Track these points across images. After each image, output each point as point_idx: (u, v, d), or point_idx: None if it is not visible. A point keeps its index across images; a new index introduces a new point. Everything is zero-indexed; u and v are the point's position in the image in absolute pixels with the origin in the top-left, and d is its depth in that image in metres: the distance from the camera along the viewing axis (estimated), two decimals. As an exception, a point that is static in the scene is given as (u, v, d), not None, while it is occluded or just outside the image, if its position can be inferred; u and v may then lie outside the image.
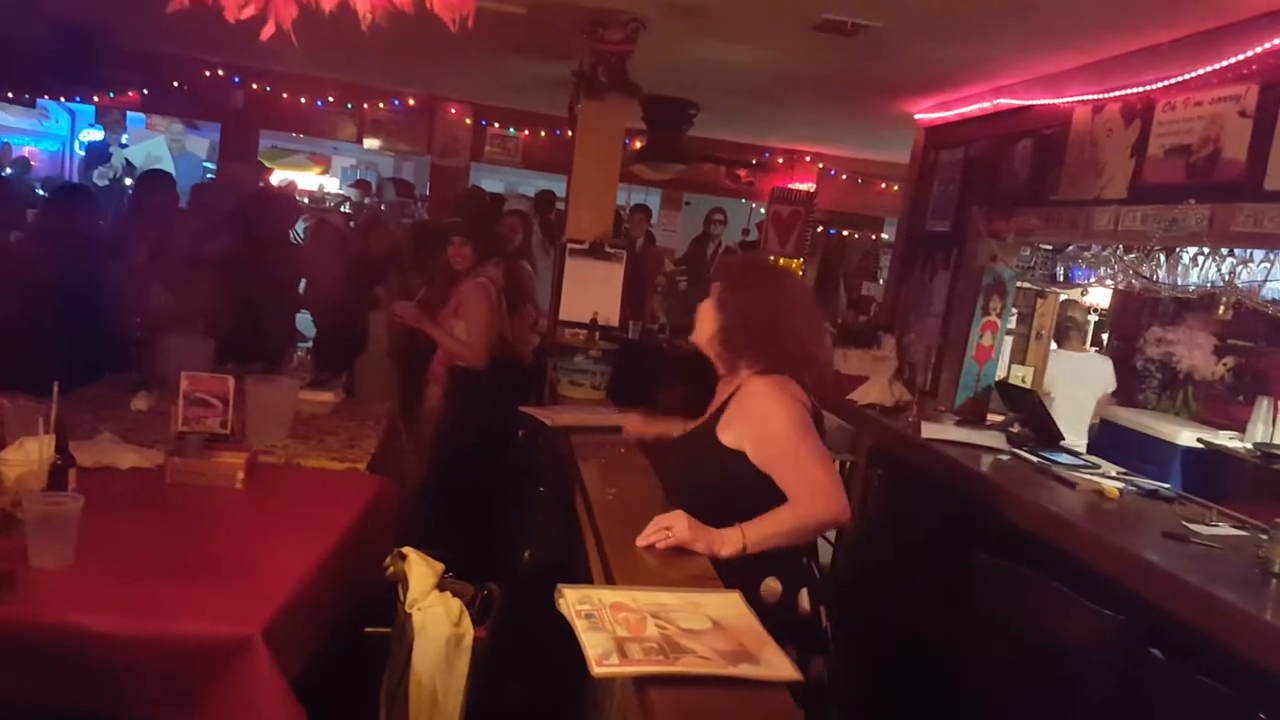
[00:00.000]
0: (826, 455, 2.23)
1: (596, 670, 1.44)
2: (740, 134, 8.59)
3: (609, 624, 1.56)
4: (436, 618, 2.19)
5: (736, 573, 1.98)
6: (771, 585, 2.15)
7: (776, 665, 1.52)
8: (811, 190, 8.76)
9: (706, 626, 1.60)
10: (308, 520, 2.50)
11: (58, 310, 4.05)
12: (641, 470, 2.71)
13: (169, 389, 3.30)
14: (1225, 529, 2.99)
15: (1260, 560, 2.59)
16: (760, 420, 2.22)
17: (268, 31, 2.08)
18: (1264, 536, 2.70)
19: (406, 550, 2.34)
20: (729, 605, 1.71)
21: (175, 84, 8.11)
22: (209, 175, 11.82)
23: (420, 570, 2.30)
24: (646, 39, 4.54)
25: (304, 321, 5.90)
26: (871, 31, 4.38)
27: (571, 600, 1.62)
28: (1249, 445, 3.60)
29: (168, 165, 11.23)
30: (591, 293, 4.41)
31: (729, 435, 2.27)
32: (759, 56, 5.26)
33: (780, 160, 9.25)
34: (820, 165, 9.35)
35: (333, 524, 2.49)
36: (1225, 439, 3.67)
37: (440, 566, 2.33)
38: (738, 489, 2.21)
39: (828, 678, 2.17)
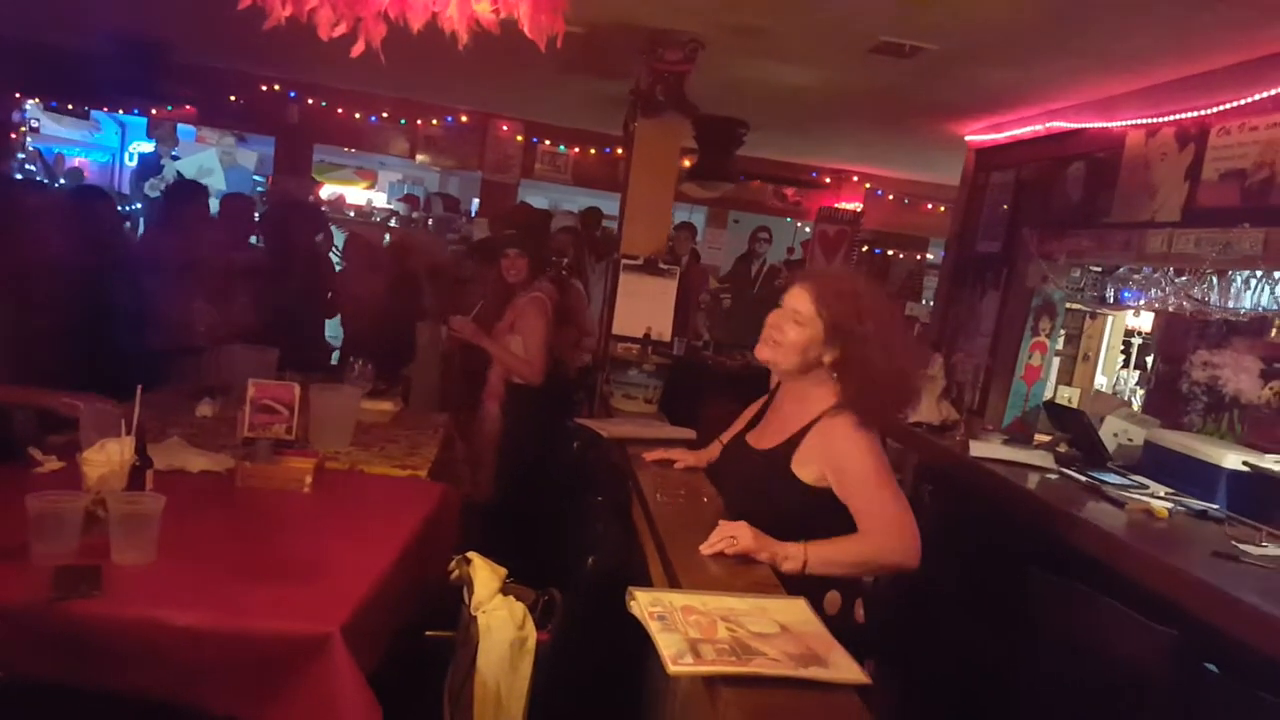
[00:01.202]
0: (903, 495, 2.20)
1: (672, 669, 1.48)
2: (789, 153, 8.64)
3: (681, 625, 1.60)
4: (501, 620, 2.24)
5: (799, 585, 2.01)
6: (833, 598, 2.18)
7: (845, 669, 1.56)
8: (858, 210, 8.78)
9: (775, 630, 1.64)
10: (375, 524, 2.56)
11: (120, 319, 4.15)
12: (697, 481, 2.76)
13: (232, 396, 3.42)
14: (1275, 549, 2.99)
15: (1313, 581, 2.60)
16: (840, 457, 2.20)
17: (358, 50, 2.17)
18: (1317, 559, 2.69)
19: (471, 555, 2.40)
20: (795, 610, 1.75)
21: (231, 98, 8.33)
22: (259, 188, 12.07)
23: (485, 574, 2.35)
24: (702, 58, 4.60)
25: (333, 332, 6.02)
26: (927, 54, 4.42)
27: (644, 602, 1.67)
28: (1295, 468, 3.56)
29: (219, 178, 11.48)
30: (644, 308, 4.47)
31: (808, 472, 2.24)
32: (813, 77, 5.32)
33: (828, 180, 9.29)
34: (867, 185, 9.38)
35: (400, 528, 2.55)
36: (1271, 462, 3.63)
37: (503, 571, 2.39)
38: (811, 515, 2.20)
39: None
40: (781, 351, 2.31)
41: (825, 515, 2.18)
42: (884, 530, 2.12)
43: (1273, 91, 3.68)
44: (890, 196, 9.47)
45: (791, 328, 2.29)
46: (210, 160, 12.58)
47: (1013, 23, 3.88)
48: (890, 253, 10.32)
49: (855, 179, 9.36)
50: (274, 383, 3.12)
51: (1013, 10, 3.74)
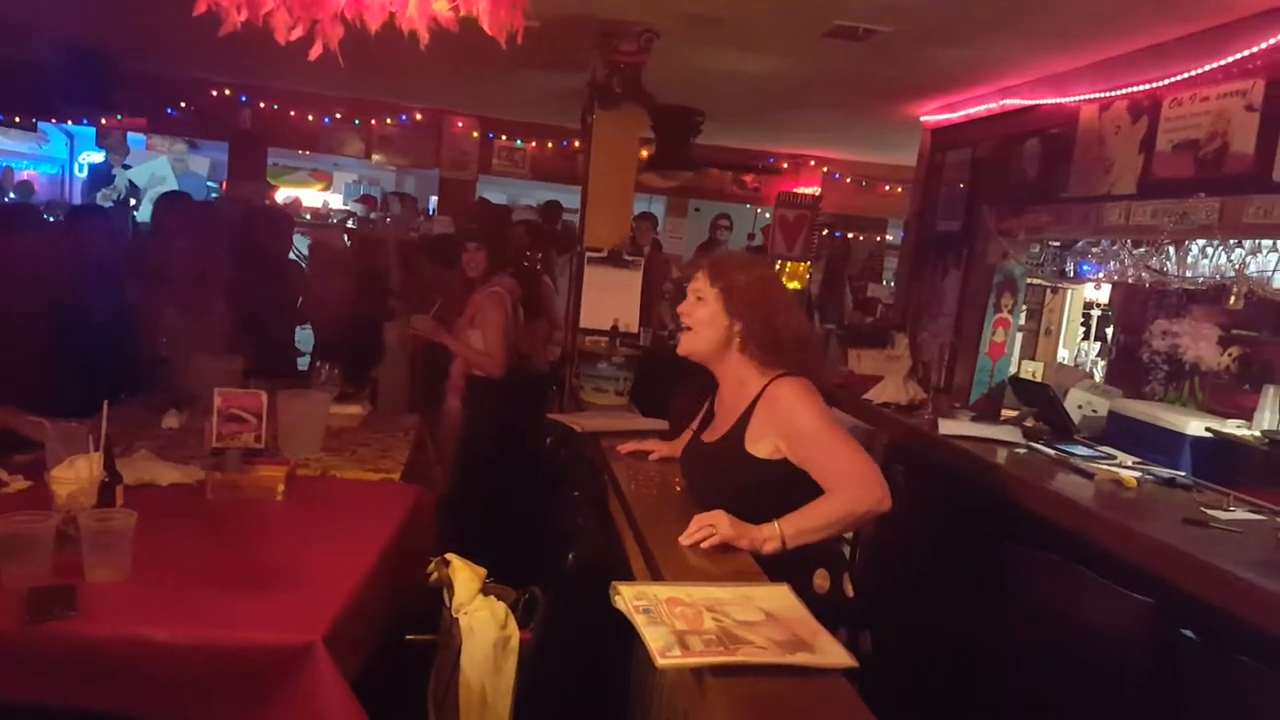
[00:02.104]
0: (859, 445, 2.23)
1: (660, 662, 1.49)
2: (746, 140, 8.67)
3: (667, 618, 1.61)
4: (483, 621, 2.23)
5: (786, 569, 2.01)
6: (822, 576, 2.20)
7: (832, 653, 1.57)
8: (816, 194, 8.83)
9: (760, 618, 1.65)
10: (351, 529, 2.55)
11: (83, 332, 4.09)
12: (671, 471, 2.76)
13: (199, 407, 3.37)
14: (1242, 514, 3.04)
15: (1280, 541, 2.66)
16: (789, 420, 2.23)
17: (315, 52, 2.14)
18: (1280, 519, 2.76)
19: (450, 556, 2.39)
20: (779, 597, 1.76)
21: (182, 104, 8.23)
22: (213, 194, 11.89)
23: (464, 575, 2.33)
24: (658, 48, 4.60)
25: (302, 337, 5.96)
26: (881, 36, 4.45)
27: (628, 596, 1.67)
28: (1257, 433, 3.64)
29: (172, 185, 11.31)
30: (610, 300, 4.47)
31: (762, 447, 2.27)
32: (768, 64, 5.33)
33: (785, 165, 9.34)
34: (825, 169, 9.45)
35: (376, 532, 2.54)
36: (1233, 427, 3.71)
37: (483, 571, 2.37)
38: (776, 491, 2.20)
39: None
40: (695, 335, 2.42)
41: (789, 488, 2.19)
42: (848, 481, 2.13)
43: (1222, 62, 3.75)
44: (848, 179, 9.54)
45: (696, 307, 2.40)
46: (163, 168, 12.39)
47: (964, 2, 3.92)
48: (850, 235, 10.42)
49: (813, 163, 9.42)
50: (241, 391, 3.10)
51: (964, -10, 3.77)
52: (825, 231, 9.68)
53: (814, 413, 2.22)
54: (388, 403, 4.72)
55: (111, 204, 11.07)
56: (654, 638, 1.54)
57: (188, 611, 1.96)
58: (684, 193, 9.26)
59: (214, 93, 8.18)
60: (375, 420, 3.85)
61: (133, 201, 11.05)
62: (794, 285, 7.43)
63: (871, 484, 2.13)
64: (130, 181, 11.80)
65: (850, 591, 2.25)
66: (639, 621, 1.59)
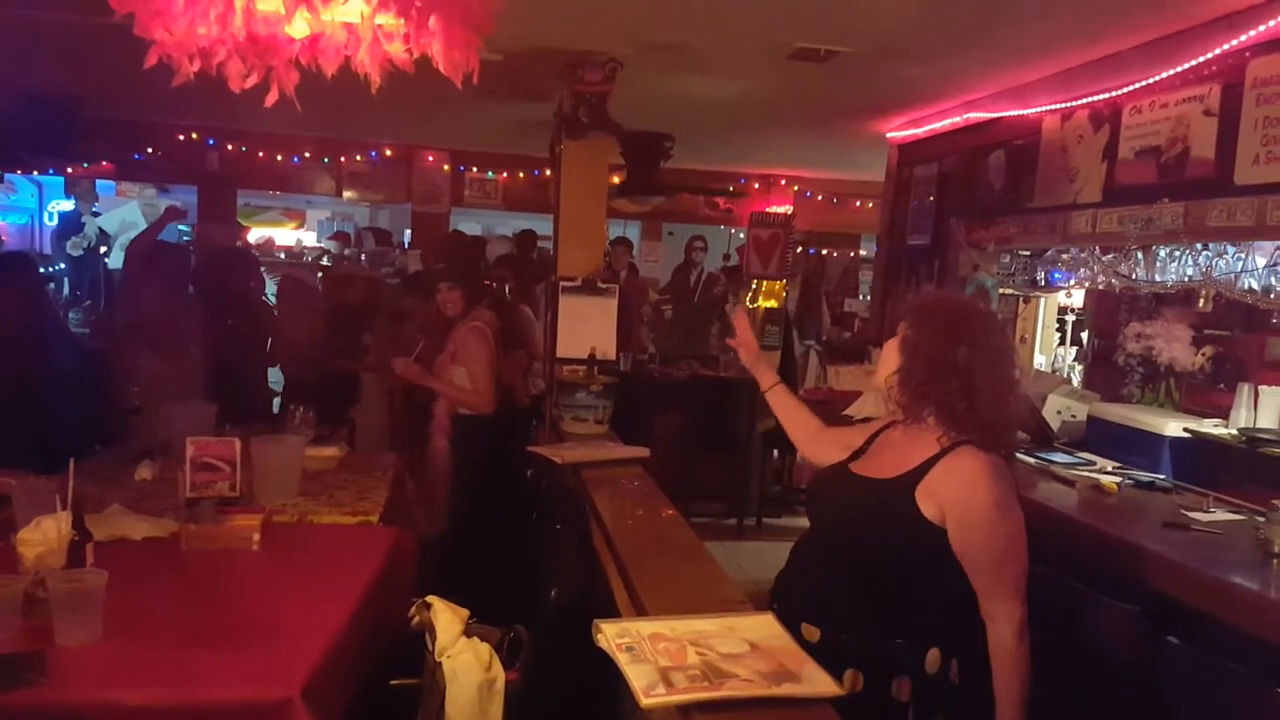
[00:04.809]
0: (1025, 548, 2.04)
1: (645, 701, 1.47)
2: (716, 162, 8.74)
3: (650, 655, 1.59)
4: (467, 664, 2.20)
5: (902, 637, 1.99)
6: (934, 657, 2.04)
7: (818, 682, 1.55)
8: (789, 212, 8.86)
9: (745, 650, 1.63)
10: (330, 576, 2.51)
11: (50, 386, 4.02)
12: (655, 499, 2.75)
13: (172, 456, 3.32)
14: (1222, 515, 3.06)
15: (1261, 542, 2.66)
16: (971, 500, 2.00)
17: (271, 98, 2.13)
18: (1260, 519, 2.76)
19: (431, 599, 2.35)
20: (763, 627, 1.74)
21: (149, 150, 8.20)
22: (185, 238, 11.80)
23: (446, 618, 2.30)
24: (623, 77, 4.62)
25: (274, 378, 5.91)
26: (843, 57, 4.49)
27: (611, 635, 1.65)
28: (1234, 431, 3.67)
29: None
30: (587, 328, 4.45)
31: (931, 505, 2.02)
32: (734, 87, 5.37)
33: (756, 185, 9.43)
34: (796, 187, 9.53)
35: (355, 578, 2.50)
36: (1210, 427, 3.73)
37: (465, 613, 2.34)
38: (918, 561, 2.03)
39: None
40: (881, 381, 2.21)
41: (939, 565, 2.02)
42: (1009, 603, 2.01)
43: (1179, 69, 3.80)
44: (819, 197, 9.63)
45: (889, 360, 2.19)
46: (133, 213, 12.27)
47: (923, 20, 3.96)
48: (825, 252, 10.50)
49: (784, 182, 9.50)
50: (213, 439, 3.05)
51: (922, 8, 3.81)
52: (800, 249, 9.73)
53: (996, 505, 1.99)
54: (366, 443, 4.68)
55: (81, 252, 10.99)
56: (638, 676, 1.52)
57: (162, 672, 1.92)
58: (657, 217, 9.30)
59: (181, 136, 8.16)
60: (353, 462, 3.80)
61: (103, 249, 10.96)
62: (771, 304, 7.44)
63: (1024, 617, 1.99)
64: (100, 229, 11.71)
65: (955, 679, 2.06)
66: (622, 660, 1.58)
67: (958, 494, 2.00)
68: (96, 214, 12.02)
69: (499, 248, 7.52)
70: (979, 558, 1.99)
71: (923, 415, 2.10)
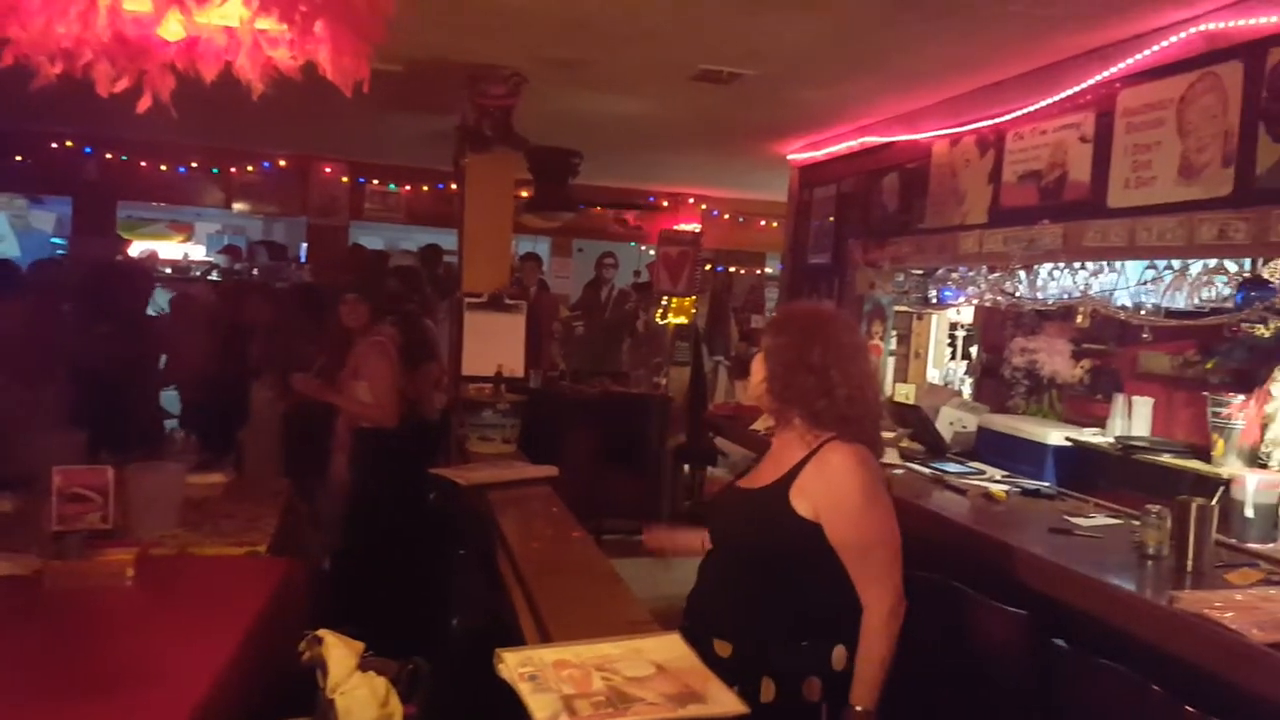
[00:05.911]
0: (898, 537, 2.16)
1: (548, 729, 1.45)
2: (625, 179, 8.81)
3: (554, 683, 1.57)
4: (362, 700, 2.08)
5: (809, 637, 2.06)
6: (840, 654, 2.13)
7: (724, 701, 1.57)
8: (697, 230, 9.01)
9: (650, 672, 1.64)
10: (211, 613, 2.37)
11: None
12: (562, 520, 2.73)
13: (36, 488, 3.11)
14: (1102, 519, 3.22)
15: (1136, 545, 2.80)
16: (839, 493, 2.12)
17: (144, 104, 2.02)
18: (1136, 523, 2.91)
19: (322, 633, 2.24)
20: (669, 648, 1.75)
21: (18, 158, 7.74)
22: (58, 251, 11.19)
23: (339, 653, 2.18)
24: (528, 91, 4.62)
25: (169, 399, 5.68)
26: (746, 79, 4.60)
27: (513, 664, 1.63)
28: (1111, 439, 3.86)
29: (12, 244, 10.63)
30: (494, 345, 4.43)
31: (804, 504, 2.13)
32: (639, 106, 5.43)
33: (665, 203, 9.54)
34: (704, 206, 9.70)
35: (239, 614, 2.36)
36: (1090, 435, 3.92)
37: (360, 646, 2.24)
38: (803, 560, 2.12)
39: None
40: (753, 394, 2.33)
41: (818, 560, 2.12)
42: (879, 592, 2.12)
43: (1058, 96, 4.01)
44: (726, 216, 9.81)
45: (755, 371, 2.30)
46: (0, 225, 11.66)
47: (818, 46, 4.09)
48: (733, 269, 10.67)
49: (691, 200, 9.65)
50: (84, 468, 2.81)
51: (817, 35, 3.94)
52: (708, 266, 9.88)
53: (864, 494, 2.12)
54: (256, 468, 4.46)
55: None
56: (540, 707, 1.51)
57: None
58: (566, 233, 9.31)
59: (54, 144, 7.74)
60: (241, 487, 3.62)
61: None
62: (680, 320, 7.53)
63: (897, 601, 2.10)
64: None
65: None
66: (524, 690, 1.56)
67: (826, 487, 2.12)
68: (-41, 226, 11.37)
69: (402, 262, 7.40)
70: (851, 546, 2.10)
71: (790, 418, 2.22)
